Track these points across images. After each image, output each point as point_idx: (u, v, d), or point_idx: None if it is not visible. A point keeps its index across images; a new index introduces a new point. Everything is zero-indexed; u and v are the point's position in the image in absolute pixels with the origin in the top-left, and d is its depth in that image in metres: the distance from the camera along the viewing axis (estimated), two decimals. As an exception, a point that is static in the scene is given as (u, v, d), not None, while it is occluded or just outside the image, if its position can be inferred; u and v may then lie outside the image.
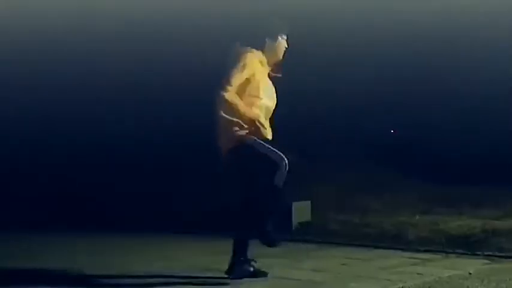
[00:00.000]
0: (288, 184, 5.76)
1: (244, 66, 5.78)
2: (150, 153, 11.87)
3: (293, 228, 8.98)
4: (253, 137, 5.80)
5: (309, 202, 9.33)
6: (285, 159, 5.70)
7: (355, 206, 10.11)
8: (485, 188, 10.89)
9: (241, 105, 5.76)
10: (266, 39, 6.01)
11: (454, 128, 13.12)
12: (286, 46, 6.15)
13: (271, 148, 5.76)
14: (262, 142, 5.78)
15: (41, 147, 12.02)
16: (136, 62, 11.96)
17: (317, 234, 8.62)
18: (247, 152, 5.79)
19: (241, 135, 5.82)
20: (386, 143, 13.70)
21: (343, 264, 6.82)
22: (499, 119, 12.97)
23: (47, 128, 12.22)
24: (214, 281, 5.97)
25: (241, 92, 5.79)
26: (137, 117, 12.25)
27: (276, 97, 6.12)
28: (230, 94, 5.68)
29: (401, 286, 5.68)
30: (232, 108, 5.74)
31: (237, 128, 5.81)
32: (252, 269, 5.94)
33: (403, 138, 13.77)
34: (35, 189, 10.83)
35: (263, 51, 6.00)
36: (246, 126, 5.80)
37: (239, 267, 5.91)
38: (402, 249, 7.62)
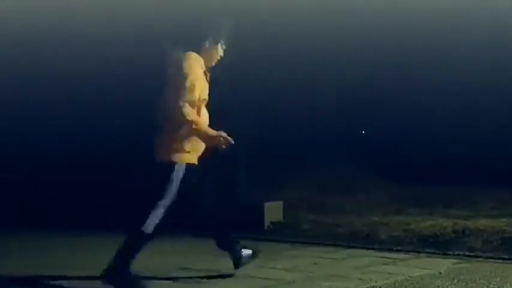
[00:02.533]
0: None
1: (189, 74, 5.56)
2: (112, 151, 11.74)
3: (265, 228, 9.01)
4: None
5: (281, 202, 9.36)
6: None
7: (327, 206, 10.16)
8: (456, 189, 10.99)
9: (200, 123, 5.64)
10: (205, 44, 5.82)
11: (426, 130, 13.20)
12: (221, 55, 5.94)
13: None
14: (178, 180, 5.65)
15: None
16: (73, 64, 11.68)
17: (289, 234, 8.66)
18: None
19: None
20: (358, 144, 13.77)
21: (315, 264, 6.83)
22: (470, 121, 13.07)
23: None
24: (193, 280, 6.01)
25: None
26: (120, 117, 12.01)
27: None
28: (189, 111, 5.50)
29: (372, 285, 5.71)
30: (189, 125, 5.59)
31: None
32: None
33: (375, 140, 13.84)
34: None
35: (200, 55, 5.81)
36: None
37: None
38: (374, 249, 7.66)
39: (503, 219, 8.43)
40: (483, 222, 8.28)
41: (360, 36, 12.42)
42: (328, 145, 13.05)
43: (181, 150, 5.64)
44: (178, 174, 5.62)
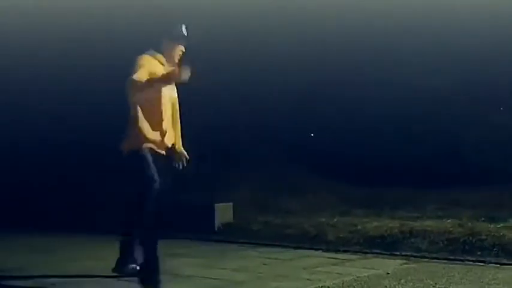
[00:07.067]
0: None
1: (142, 66, 5.72)
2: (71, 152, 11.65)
3: (215, 229, 9.03)
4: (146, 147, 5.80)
5: (231, 204, 9.40)
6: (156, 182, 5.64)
7: (276, 208, 10.21)
8: (402, 190, 11.12)
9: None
10: (164, 42, 5.97)
11: (373, 132, 13.34)
12: (183, 50, 6.03)
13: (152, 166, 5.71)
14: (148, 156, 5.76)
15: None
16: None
17: (239, 235, 8.69)
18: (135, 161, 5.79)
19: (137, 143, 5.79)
20: (306, 146, 13.84)
21: (265, 264, 6.88)
22: (417, 124, 13.25)
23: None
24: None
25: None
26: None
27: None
28: (135, 77, 5.61)
29: (321, 285, 5.76)
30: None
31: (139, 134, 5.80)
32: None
33: (323, 141, 13.93)
34: None
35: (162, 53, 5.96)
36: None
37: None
38: (322, 250, 7.73)
39: (449, 221, 8.57)
40: (429, 224, 8.40)
41: (311, 37, 12.52)
42: (277, 147, 13.11)
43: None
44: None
